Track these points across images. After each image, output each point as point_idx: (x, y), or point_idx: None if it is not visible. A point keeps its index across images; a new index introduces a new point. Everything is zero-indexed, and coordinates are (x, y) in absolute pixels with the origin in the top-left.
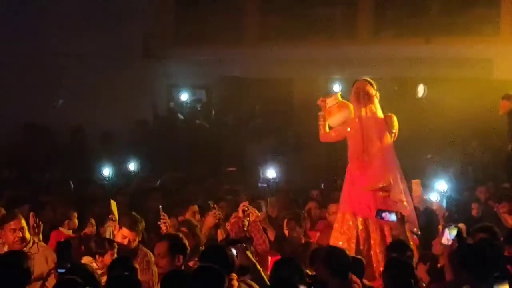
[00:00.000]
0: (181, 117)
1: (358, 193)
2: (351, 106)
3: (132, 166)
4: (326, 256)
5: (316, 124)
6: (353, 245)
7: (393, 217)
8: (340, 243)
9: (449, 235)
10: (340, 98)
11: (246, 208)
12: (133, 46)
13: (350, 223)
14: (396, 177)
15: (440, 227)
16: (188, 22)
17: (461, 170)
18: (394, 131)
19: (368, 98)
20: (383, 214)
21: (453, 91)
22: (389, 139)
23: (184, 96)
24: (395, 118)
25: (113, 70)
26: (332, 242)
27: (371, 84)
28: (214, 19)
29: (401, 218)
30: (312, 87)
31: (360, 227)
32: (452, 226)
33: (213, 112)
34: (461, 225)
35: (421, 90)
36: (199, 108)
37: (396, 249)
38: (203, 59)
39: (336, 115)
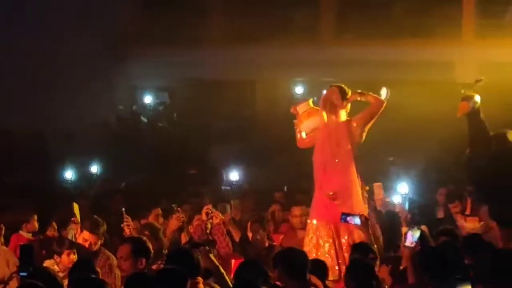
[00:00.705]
0: (144, 120)
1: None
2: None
3: (94, 168)
4: (283, 257)
5: (279, 125)
6: (328, 251)
7: (357, 220)
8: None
9: (412, 238)
10: (311, 105)
11: (210, 211)
12: (97, 48)
13: (322, 229)
14: (347, 186)
15: (403, 229)
16: (152, 24)
17: (423, 172)
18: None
19: (334, 108)
20: (348, 218)
21: (416, 94)
22: (350, 147)
23: (148, 99)
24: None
25: (77, 71)
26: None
27: (342, 92)
28: (178, 21)
29: (365, 221)
30: (275, 89)
31: (332, 232)
32: (415, 228)
33: (175, 114)
34: (423, 227)
35: (383, 92)
36: (161, 111)
37: (359, 251)
38: (167, 61)
39: (304, 122)
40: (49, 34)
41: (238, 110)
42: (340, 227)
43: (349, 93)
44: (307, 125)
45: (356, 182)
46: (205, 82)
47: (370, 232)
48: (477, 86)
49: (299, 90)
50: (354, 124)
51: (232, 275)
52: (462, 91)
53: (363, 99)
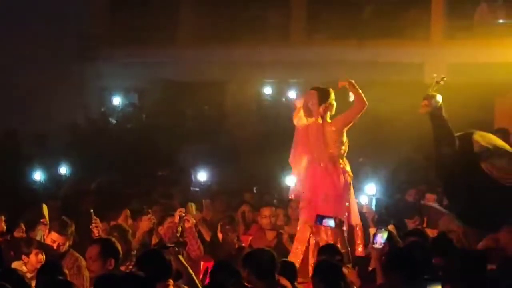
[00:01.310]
0: (113, 121)
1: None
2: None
3: (63, 169)
4: (251, 258)
5: (248, 126)
6: (302, 251)
7: (331, 223)
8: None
9: (381, 239)
10: None
11: (183, 215)
12: (66, 48)
13: (302, 229)
14: (313, 190)
15: (370, 230)
16: (121, 24)
17: (394, 173)
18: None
19: (310, 112)
20: (323, 221)
21: (386, 94)
22: (326, 150)
23: (117, 100)
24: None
25: (46, 72)
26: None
27: (321, 96)
28: (147, 22)
29: (339, 224)
30: (245, 90)
31: (309, 233)
32: (383, 229)
33: (144, 115)
34: (390, 226)
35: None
36: (131, 112)
37: (326, 253)
38: (136, 61)
39: (295, 118)
40: (17, 35)
41: (207, 111)
42: (320, 227)
43: (332, 95)
44: (296, 121)
45: (334, 186)
46: (174, 83)
47: (345, 235)
48: (439, 86)
49: (268, 90)
50: (333, 128)
51: (201, 277)
52: (432, 90)
53: (349, 90)
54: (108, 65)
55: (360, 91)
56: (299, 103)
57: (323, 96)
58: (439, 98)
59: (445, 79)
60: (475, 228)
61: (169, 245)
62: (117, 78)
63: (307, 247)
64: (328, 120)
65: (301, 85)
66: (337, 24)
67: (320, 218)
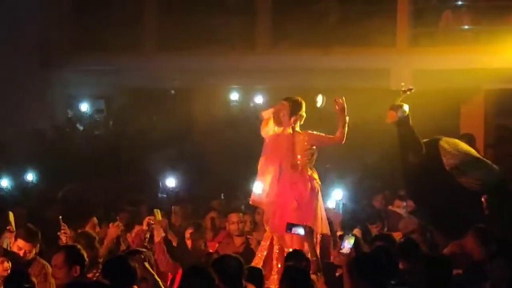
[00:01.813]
0: (80, 128)
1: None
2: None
3: (30, 176)
4: (217, 264)
5: (214, 132)
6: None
7: (301, 231)
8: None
9: (348, 244)
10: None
11: (152, 222)
12: (30, 55)
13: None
14: (278, 199)
15: (338, 233)
16: (86, 31)
17: (360, 179)
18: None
19: (280, 122)
20: (293, 229)
21: (351, 101)
22: (292, 160)
23: (84, 107)
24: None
25: (10, 79)
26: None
27: (293, 107)
28: (112, 29)
29: (309, 232)
30: (211, 97)
31: (271, 241)
32: (350, 235)
33: (111, 122)
34: (356, 231)
35: (320, 100)
36: (97, 119)
37: (292, 259)
38: (102, 68)
39: (263, 129)
40: None
41: (174, 117)
42: (286, 236)
43: (303, 106)
44: (264, 132)
45: (301, 194)
46: (141, 90)
47: (314, 242)
48: (405, 95)
49: (235, 96)
50: (306, 138)
51: (168, 284)
52: (398, 99)
53: (337, 114)
54: (73, 73)
55: (346, 123)
56: (266, 115)
57: (295, 107)
58: (406, 108)
59: (412, 90)
60: (442, 232)
61: (141, 249)
62: (83, 86)
63: (268, 254)
64: (298, 129)
65: (267, 91)
66: (303, 31)
67: (290, 226)
